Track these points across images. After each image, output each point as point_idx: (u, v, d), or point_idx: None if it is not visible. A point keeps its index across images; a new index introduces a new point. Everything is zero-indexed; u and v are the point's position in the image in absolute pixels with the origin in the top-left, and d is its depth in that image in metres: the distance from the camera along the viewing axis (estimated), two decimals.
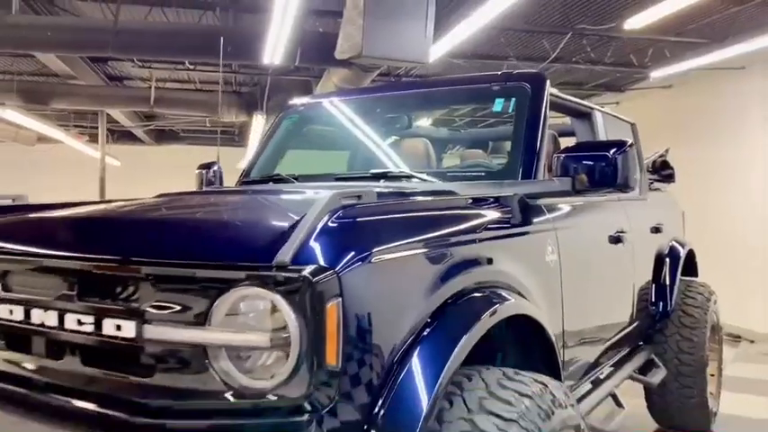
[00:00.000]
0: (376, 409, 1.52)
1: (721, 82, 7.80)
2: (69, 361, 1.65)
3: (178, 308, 1.48)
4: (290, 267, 1.40)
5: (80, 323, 1.60)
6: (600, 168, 2.53)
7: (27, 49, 6.11)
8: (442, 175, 2.76)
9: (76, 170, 13.64)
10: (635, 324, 3.56)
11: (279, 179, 3.06)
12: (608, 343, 3.12)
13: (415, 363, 1.59)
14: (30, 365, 1.76)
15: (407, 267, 1.68)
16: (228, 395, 1.45)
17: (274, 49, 4.72)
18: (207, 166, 3.54)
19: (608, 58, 7.30)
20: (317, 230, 1.47)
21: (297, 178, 3.03)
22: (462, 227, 2.00)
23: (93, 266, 1.61)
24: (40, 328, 1.69)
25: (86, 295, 1.61)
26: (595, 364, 3.04)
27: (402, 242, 1.68)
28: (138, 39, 5.38)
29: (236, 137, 14.41)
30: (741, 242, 7.65)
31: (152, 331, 1.49)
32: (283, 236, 1.45)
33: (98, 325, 1.57)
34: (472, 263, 1.92)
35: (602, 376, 3.21)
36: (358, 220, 1.61)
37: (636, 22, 5.18)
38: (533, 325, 2.09)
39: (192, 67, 7.70)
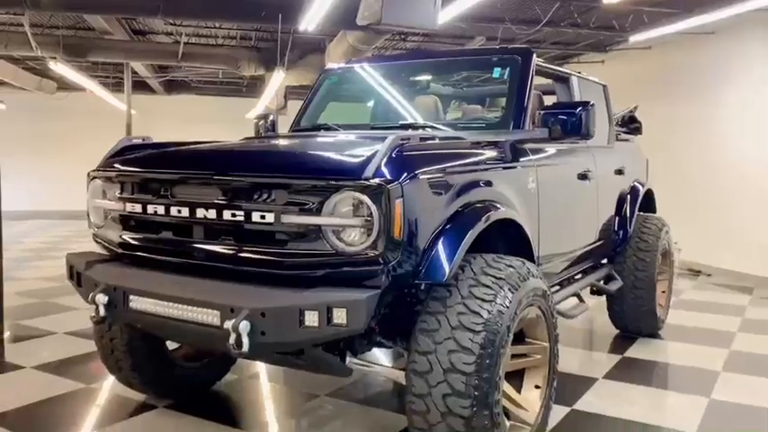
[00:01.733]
0: (420, 267, 2.50)
1: (694, 45, 8.66)
2: (224, 240, 2.62)
3: (303, 204, 2.44)
4: (372, 180, 2.35)
5: (234, 215, 2.56)
6: (570, 122, 3.47)
7: (86, 12, 6.87)
8: (453, 126, 3.69)
9: (95, 118, 14.41)
10: (598, 244, 4.54)
11: (327, 128, 3.98)
12: (574, 255, 4.10)
13: (442, 242, 2.56)
14: (192, 245, 2.72)
15: (438, 184, 2.63)
16: (333, 255, 2.41)
17: (313, 17, 5.53)
18: (264, 117, 4.45)
19: (593, 23, 8.14)
20: (387, 158, 2.42)
21: (340, 127, 3.96)
22: (472, 160, 2.96)
23: (245, 179, 2.55)
24: (202, 220, 2.65)
25: (239, 198, 2.56)
26: (564, 270, 4.04)
27: (435, 168, 2.63)
28: (186, 3, 6.15)
29: (243, 88, 15.13)
30: (705, 186, 8.64)
31: (286, 218, 2.45)
32: (367, 161, 2.40)
33: (248, 216, 2.52)
34: (478, 184, 2.87)
35: (569, 280, 4.23)
36: (410, 153, 2.56)
37: None
38: (517, 229, 3.08)
39: (217, 25, 8.47)
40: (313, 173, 2.47)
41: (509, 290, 2.61)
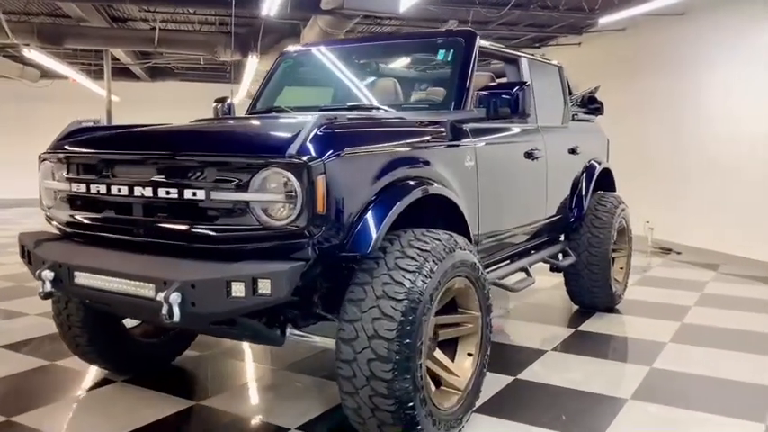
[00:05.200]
0: (345, 240, 2.63)
1: (665, 26, 8.77)
2: (160, 217, 2.74)
3: (231, 180, 2.56)
4: (296, 157, 2.48)
5: (168, 193, 2.68)
6: (506, 102, 3.57)
7: (59, 1, 6.95)
8: (397, 107, 3.80)
9: (78, 105, 14.41)
10: (549, 221, 4.68)
11: (279, 110, 4.09)
12: (520, 231, 4.23)
13: (368, 216, 2.69)
14: (132, 222, 2.84)
15: (365, 161, 2.76)
16: (261, 229, 2.54)
17: (273, 2, 5.63)
18: (221, 101, 4.55)
19: (563, 5, 8.23)
20: (310, 136, 2.54)
21: (292, 109, 4.07)
22: (403, 139, 3.08)
23: (178, 159, 2.67)
24: (140, 199, 2.77)
25: (172, 177, 2.68)
26: (510, 246, 4.17)
27: (362, 145, 2.75)
28: None
29: (227, 74, 15.17)
30: (677, 165, 8.77)
31: (216, 195, 2.57)
32: (291, 139, 2.52)
33: (181, 193, 2.64)
34: (409, 162, 2.99)
35: (516, 255, 4.37)
36: (334, 131, 2.68)
37: None
38: (453, 206, 3.20)
39: (191, 10, 8.53)
40: (239, 151, 2.60)
41: (433, 261, 2.73)
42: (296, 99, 4.39)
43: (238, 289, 2.45)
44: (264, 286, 2.43)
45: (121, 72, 14.53)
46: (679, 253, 8.47)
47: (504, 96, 3.54)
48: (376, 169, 2.79)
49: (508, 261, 4.27)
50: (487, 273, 3.88)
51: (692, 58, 8.50)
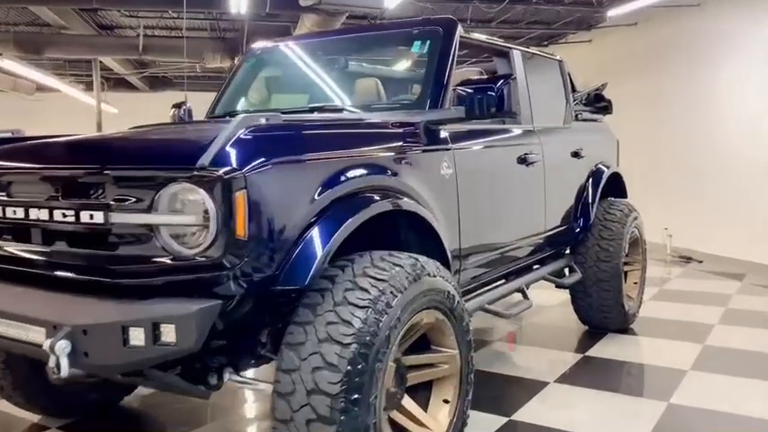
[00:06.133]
0: (278, 270, 2.12)
1: (679, 18, 8.19)
2: (59, 245, 2.26)
3: (132, 200, 2.07)
4: (208, 168, 1.98)
5: (64, 216, 2.20)
6: (488, 99, 3.04)
7: (22, 4, 6.56)
8: (366, 107, 3.29)
9: (74, 117, 14.10)
10: (550, 234, 4.12)
11: (236, 114, 3.60)
12: (513, 247, 3.67)
13: (308, 240, 2.18)
14: (31, 251, 2.36)
15: (306, 171, 2.25)
16: (169, 260, 2.04)
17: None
18: (178, 106, 4.08)
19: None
20: (229, 143, 2.04)
21: (251, 113, 3.57)
22: (362, 144, 2.57)
23: (72, 174, 2.19)
24: (37, 222, 2.29)
25: (68, 196, 2.20)
26: (502, 264, 3.62)
27: (300, 153, 2.25)
28: None
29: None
30: (696, 167, 8.16)
31: (115, 217, 2.08)
32: (204, 147, 2.01)
33: (77, 216, 2.16)
34: (365, 171, 2.47)
35: (512, 274, 3.83)
36: (262, 136, 2.18)
37: None
38: (425, 224, 2.68)
39: (175, 15, 8.12)
40: (142, 162, 2.11)
41: (392, 293, 2.21)
42: (258, 102, 3.91)
43: (137, 336, 1.94)
44: (168, 333, 1.93)
45: (119, 83, 14.22)
46: (700, 261, 7.85)
47: (487, 92, 3.01)
48: (320, 181, 2.28)
49: (503, 281, 3.74)
50: (475, 297, 3.41)
51: (711, 52, 7.88)
